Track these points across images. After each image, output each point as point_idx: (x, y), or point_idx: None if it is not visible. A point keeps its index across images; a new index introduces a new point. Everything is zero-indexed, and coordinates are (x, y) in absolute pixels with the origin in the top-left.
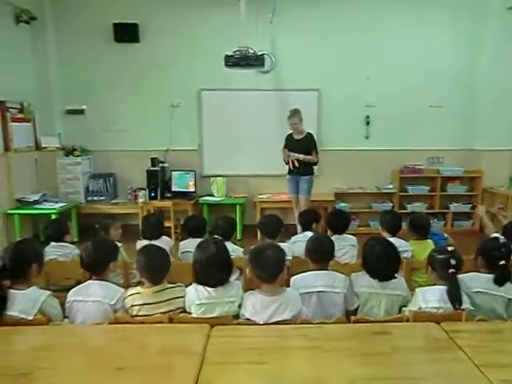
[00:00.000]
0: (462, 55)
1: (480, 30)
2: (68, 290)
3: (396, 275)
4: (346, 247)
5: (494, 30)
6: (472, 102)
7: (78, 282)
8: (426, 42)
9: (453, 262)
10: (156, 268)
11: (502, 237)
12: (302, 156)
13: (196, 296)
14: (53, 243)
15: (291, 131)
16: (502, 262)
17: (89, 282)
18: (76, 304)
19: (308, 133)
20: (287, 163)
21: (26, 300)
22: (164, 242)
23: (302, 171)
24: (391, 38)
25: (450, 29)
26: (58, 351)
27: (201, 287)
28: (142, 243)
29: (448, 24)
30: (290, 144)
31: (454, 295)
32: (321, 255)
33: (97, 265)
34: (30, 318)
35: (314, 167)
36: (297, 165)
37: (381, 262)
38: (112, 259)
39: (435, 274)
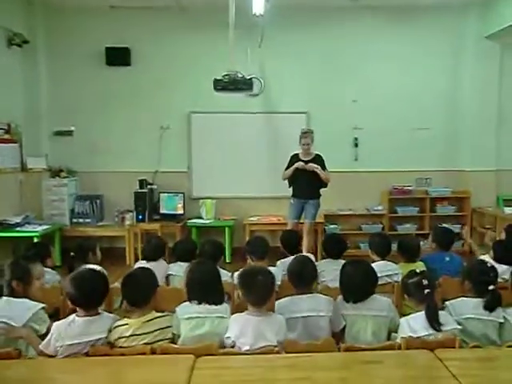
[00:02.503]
0: (446, 80)
1: (460, 56)
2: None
3: (375, 295)
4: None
5: (472, 58)
6: (457, 123)
7: (57, 310)
8: (412, 67)
9: (425, 282)
10: (138, 294)
11: (488, 259)
12: (319, 169)
13: (185, 310)
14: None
15: (297, 152)
16: (492, 287)
17: (86, 319)
18: (73, 347)
19: (317, 154)
20: (290, 186)
21: (17, 308)
22: (159, 266)
23: (310, 194)
24: (378, 63)
25: (434, 54)
26: None
27: (189, 305)
28: (139, 264)
29: (432, 50)
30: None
31: (432, 316)
32: (302, 278)
33: (91, 301)
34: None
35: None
36: (314, 168)
37: (352, 283)
38: (106, 291)
39: (413, 300)
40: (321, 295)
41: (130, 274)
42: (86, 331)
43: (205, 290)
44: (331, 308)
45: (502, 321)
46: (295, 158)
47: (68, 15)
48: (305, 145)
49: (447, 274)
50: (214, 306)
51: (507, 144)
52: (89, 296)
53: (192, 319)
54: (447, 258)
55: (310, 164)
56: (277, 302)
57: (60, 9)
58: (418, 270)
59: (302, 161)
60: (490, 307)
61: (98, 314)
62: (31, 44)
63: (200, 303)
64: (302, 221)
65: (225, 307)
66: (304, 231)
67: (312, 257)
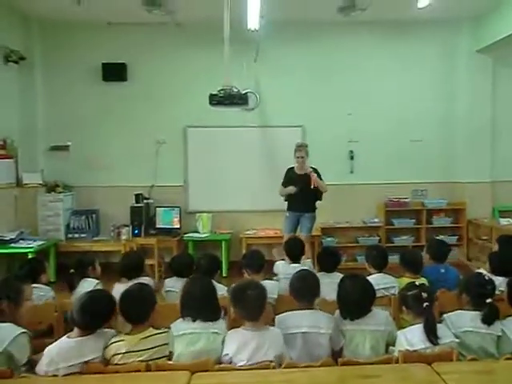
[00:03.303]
0: (440, 92)
1: (454, 70)
2: (40, 335)
3: (373, 309)
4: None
5: (465, 71)
6: (451, 135)
7: (50, 327)
8: (407, 80)
9: (424, 295)
10: (136, 311)
11: (485, 272)
12: (316, 176)
13: (180, 327)
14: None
15: (292, 165)
16: (489, 300)
17: (80, 339)
18: (71, 369)
19: (312, 167)
20: (286, 200)
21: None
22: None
23: (305, 208)
24: (372, 76)
25: (427, 68)
26: None
27: (184, 322)
28: (119, 287)
29: (426, 64)
30: (292, 179)
31: (430, 330)
32: (305, 292)
33: (94, 323)
34: None
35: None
36: (314, 180)
37: (351, 301)
38: (111, 314)
39: (411, 313)
40: (322, 312)
41: (129, 290)
42: (80, 352)
43: (199, 306)
44: (332, 325)
45: (499, 334)
46: (291, 172)
47: (64, 32)
48: (299, 157)
49: (443, 285)
50: (209, 322)
51: (502, 155)
52: (94, 319)
53: (186, 335)
54: (442, 270)
55: (309, 171)
56: (277, 317)
57: (57, 25)
58: (417, 283)
59: (297, 174)
60: (487, 321)
61: (93, 332)
62: (28, 60)
63: (194, 320)
64: (297, 234)
65: (220, 323)
66: None
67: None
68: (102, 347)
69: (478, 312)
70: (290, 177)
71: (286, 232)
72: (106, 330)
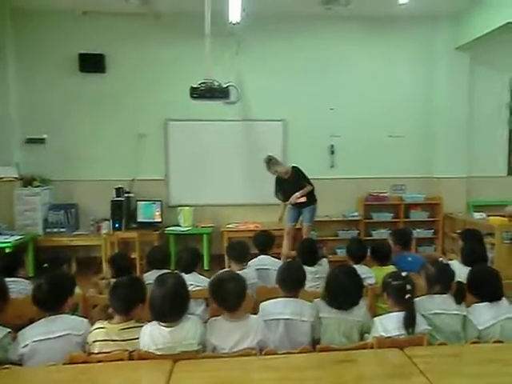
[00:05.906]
0: (419, 89)
1: (432, 67)
2: (20, 329)
3: (360, 302)
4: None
5: (444, 68)
6: (430, 131)
7: (31, 321)
8: (387, 76)
9: (408, 287)
10: (124, 303)
11: (458, 263)
12: (299, 193)
13: (151, 341)
14: (5, 279)
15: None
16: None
17: (48, 318)
18: (37, 345)
19: (293, 167)
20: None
21: None
22: None
23: (303, 204)
24: (353, 72)
25: (408, 64)
26: None
27: (156, 331)
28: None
29: (406, 60)
30: (282, 185)
31: (410, 321)
32: (292, 284)
33: (52, 301)
34: None
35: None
36: (304, 200)
37: (342, 293)
38: (69, 294)
39: (391, 300)
40: (305, 301)
41: (119, 281)
42: (47, 330)
43: (168, 307)
44: (314, 314)
45: (465, 313)
46: (278, 179)
47: (39, 20)
48: (274, 173)
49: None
50: (181, 331)
51: (477, 151)
52: (52, 298)
53: (159, 350)
54: (409, 259)
55: (290, 200)
56: (261, 304)
57: (30, 13)
58: (403, 274)
59: (284, 180)
60: (457, 300)
61: (58, 314)
62: (0, 47)
63: (164, 322)
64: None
65: (194, 329)
66: (302, 234)
67: None
68: (69, 327)
69: (445, 295)
70: (280, 184)
71: (288, 222)
72: (75, 317)
